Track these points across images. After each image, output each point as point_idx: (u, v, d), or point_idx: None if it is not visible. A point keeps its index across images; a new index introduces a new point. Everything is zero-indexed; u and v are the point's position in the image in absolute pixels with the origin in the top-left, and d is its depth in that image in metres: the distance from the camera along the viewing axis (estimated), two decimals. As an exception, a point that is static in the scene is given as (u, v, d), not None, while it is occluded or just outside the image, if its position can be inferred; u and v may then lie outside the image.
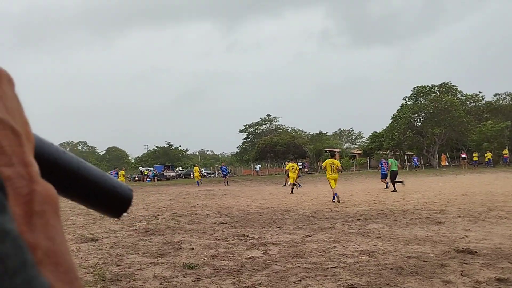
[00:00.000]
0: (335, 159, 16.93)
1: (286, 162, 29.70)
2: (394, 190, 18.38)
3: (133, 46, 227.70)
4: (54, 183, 0.39)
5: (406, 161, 56.80)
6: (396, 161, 20.61)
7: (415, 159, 52.42)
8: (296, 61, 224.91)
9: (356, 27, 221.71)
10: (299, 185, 24.57)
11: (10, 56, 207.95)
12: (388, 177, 20.20)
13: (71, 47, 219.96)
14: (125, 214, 0.55)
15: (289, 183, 24.76)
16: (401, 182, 19.05)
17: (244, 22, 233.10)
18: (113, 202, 0.52)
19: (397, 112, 59.85)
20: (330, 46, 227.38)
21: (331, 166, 15.87)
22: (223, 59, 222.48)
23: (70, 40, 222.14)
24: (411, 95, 60.10)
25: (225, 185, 32.73)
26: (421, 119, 57.71)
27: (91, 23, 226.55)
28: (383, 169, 21.10)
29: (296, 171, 23.06)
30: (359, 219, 10.31)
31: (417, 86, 60.01)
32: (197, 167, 38.56)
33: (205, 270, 6.02)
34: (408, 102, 59.93)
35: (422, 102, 58.01)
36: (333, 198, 14.87)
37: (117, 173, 32.38)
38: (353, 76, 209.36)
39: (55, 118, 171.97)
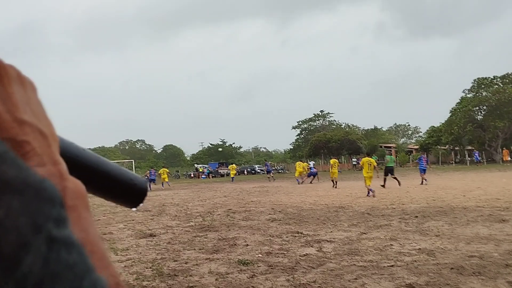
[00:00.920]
0: (371, 157, 17.58)
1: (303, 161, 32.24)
2: (383, 186, 19.07)
3: (188, 45, 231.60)
4: (77, 178, 0.41)
5: (467, 156, 54.59)
6: (393, 158, 21.23)
7: (476, 154, 50.20)
8: (351, 55, 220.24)
9: (413, 19, 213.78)
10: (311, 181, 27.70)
11: (72, 58, 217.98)
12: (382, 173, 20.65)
13: (129, 48, 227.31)
14: (141, 204, 0.57)
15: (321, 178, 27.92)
16: (398, 182, 19.86)
17: (297, 17, 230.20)
18: (130, 193, 0.56)
19: (456, 105, 57.81)
20: (386, 39, 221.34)
21: (368, 164, 16.49)
22: (276, 55, 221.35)
23: (129, 42, 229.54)
24: (471, 87, 57.83)
25: (269, 181, 34.16)
26: (483, 112, 55.38)
27: (149, 25, 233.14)
28: (422, 164, 21.61)
29: (337, 167, 23.81)
30: (416, 217, 10.03)
31: (477, 78, 57.68)
32: (234, 165, 43.65)
33: (260, 266, 6.06)
34: (468, 95, 57.74)
35: (483, 94, 55.68)
36: (368, 194, 15.56)
37: (155, 172, 33.34)
38: (409, 69, 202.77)
39: (115, 117, 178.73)
